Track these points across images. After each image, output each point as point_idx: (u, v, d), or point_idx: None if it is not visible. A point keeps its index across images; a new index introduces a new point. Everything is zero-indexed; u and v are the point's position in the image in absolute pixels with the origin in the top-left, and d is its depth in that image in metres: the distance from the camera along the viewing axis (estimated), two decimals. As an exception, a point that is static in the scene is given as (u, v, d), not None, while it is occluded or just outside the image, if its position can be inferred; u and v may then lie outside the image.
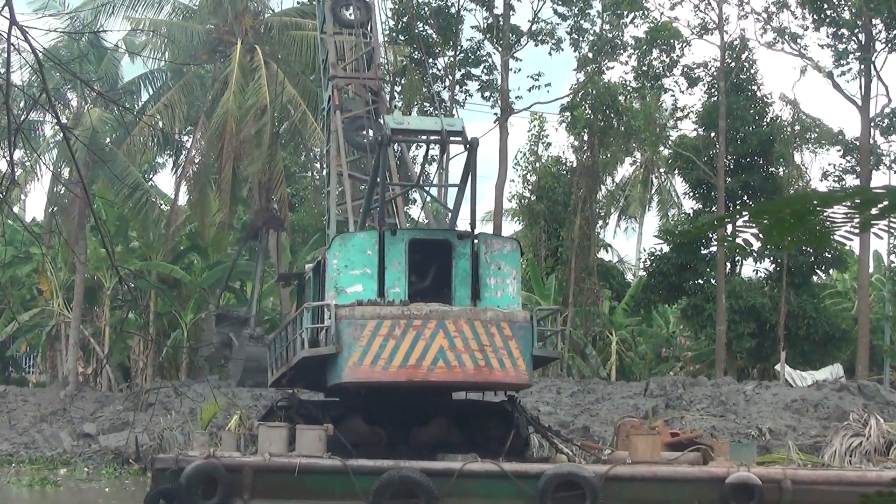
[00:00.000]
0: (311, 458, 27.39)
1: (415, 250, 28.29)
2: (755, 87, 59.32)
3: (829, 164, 62.86)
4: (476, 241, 28.75)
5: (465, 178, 29.61)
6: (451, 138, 28.86)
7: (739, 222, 4.21)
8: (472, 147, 29.07)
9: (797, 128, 60.90)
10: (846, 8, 55.91)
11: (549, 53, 58.20)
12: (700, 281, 59.06)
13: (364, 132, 34.50)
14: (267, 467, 27.56)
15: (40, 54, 10.81)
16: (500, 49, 57.91)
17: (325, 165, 36.34)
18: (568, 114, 58.00)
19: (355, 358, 26.72)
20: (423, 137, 30.54)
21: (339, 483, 26.98)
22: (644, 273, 62.71)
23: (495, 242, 29.44)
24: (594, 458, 30.74)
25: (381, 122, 29.79)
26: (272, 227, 41.59)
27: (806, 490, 25.02)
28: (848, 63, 56.11)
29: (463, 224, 33.75)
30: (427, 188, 35.14)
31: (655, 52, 57.15)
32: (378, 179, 29.80)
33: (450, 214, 32.49)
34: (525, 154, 67.02)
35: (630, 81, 58.32)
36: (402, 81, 55.79)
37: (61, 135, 46.82)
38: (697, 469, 26.15)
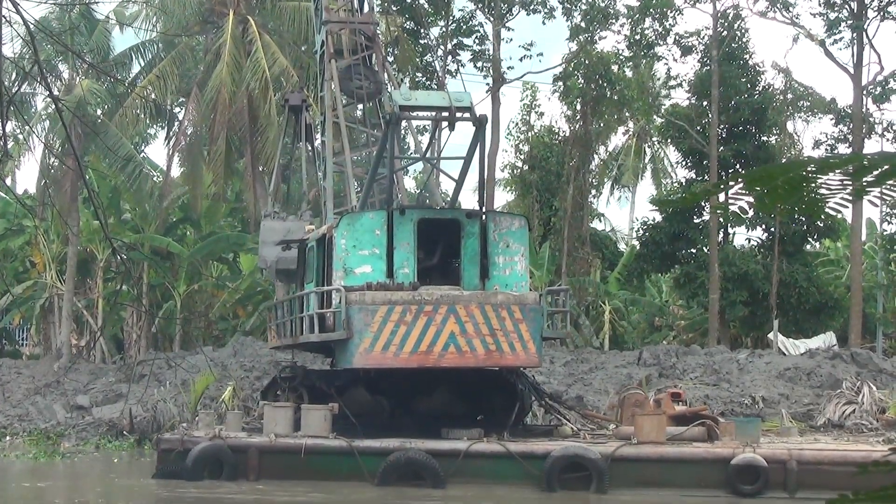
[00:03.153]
0: (317, 438, 27.47)
1: (422, 229, 28.26)
2: (748, 56, 59.26)
3: (822, 133, 63.01)
4: (484, 218, 28.79)
5: (472, 154, 29.60)
6: (460, 115, 28.76)
7: (734, 190, 4.24)
8: (480, 124, 29.03)
9: (789, 96, 60.98)
10: (838, -25, 55.89)
11: (543, 23, 58.01)
12: (693, 250, 59.21)
13: (358, 79, 34.30)
14: (273, 448, 27.64)
15: (32, 26, 10.74)
16: (492, 19, 57.72)
17: (320, 113, 35.84)
18: (560, 83, 57.88)
19: (366, 344, 26.72)
20: (432, 114, 30.24)
21: (345, 463, 27.08)
22: (637, 243, 62.79)
23: (503, 220, 29.42)
24: (598, 428, 30.84)
25: (388, 94, 29.48)
26: (302, 103, 40.12)
27: (811, 470, 25.09)
28: (840, 31, 56.17)
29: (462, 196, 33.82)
30: (433, 161, 34.83)
31: (648, 21, 57.04)
32: (385, 156, 29.79)
33: (453, 187, 32.49)
34: (517, 124, 66.86)
35: (623, 50, 58.27)
36: (395, 52, 55.54)
37: (53, 107, 46.81)
38: (703, 450, 26.19)
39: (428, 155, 35.01)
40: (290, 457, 27.35)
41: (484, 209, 29.73)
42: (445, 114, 28.93)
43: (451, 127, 29.58)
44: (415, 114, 30.81)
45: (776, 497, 25.02)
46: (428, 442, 26.92)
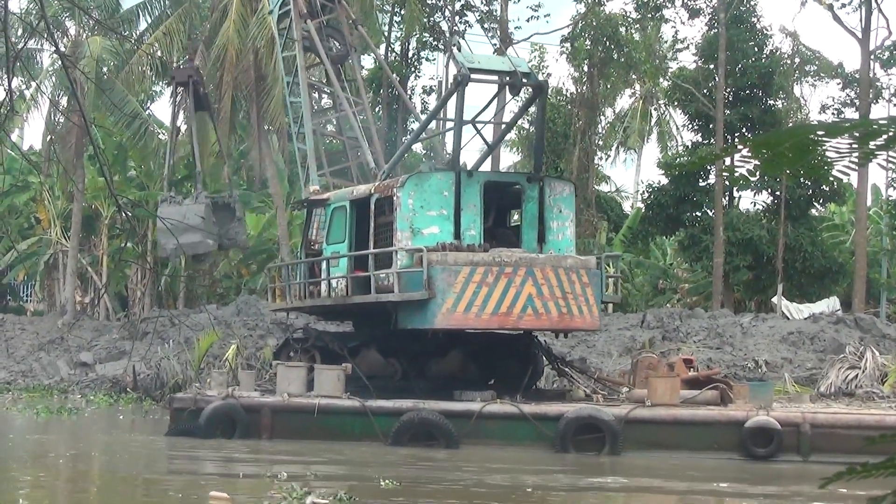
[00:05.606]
0: (330, 398, 27.52)
1: (485, 192, 28.31)
2: (755, 20, 59.00)
3: (829, 97, 62.80)
4: (542, 183, 28.90)
5: (517, 119, 29.91)
6: (524, 80, 28.70)
7: (742, 154, 4.26)
8: (541, 89, 29.16)
9: (797, 60, 60.80)
10: (848, -62, 55.53)
11: (550, -16, 57.85)
12: (698, 213, 59.13)
13: (330, 39, 34.25)
14: (286, 407, 27.70)
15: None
16: (499, -21, 57.55)
17: (286, 74, 35.45)
18: (568, 45, 57.76)
19: (449, 304, 26.62)
20: (495, 78, 29.99)
21: (358, 423, 27.16)
22: (642, 205, 62.71)
23: (557, 185, 29.61)
24: (612, 392, 30.85)
25: (455, 61, 29.29)
26: (188, 78, 39.49)
27: (825, 434, 25.15)
28: (849, -5, 55.85)
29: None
30: (481, 126, 34.58)
31: (656, -17, 56.81)
32: (440, 118, 29.81)
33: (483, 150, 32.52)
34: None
35: (630, 12, 58.02)
36: (402, 12, 55.35)
37: (59, 63, 46.68)
38: (717, 413, 26.25)
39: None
40: (303, 416, 27.44)
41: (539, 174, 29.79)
42: (508, 78, 28.85)
43: (515, 92, 29.50)
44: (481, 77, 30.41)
45: (789, 460, 25.09)
46: (441, 403, 26.98)
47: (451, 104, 30.00)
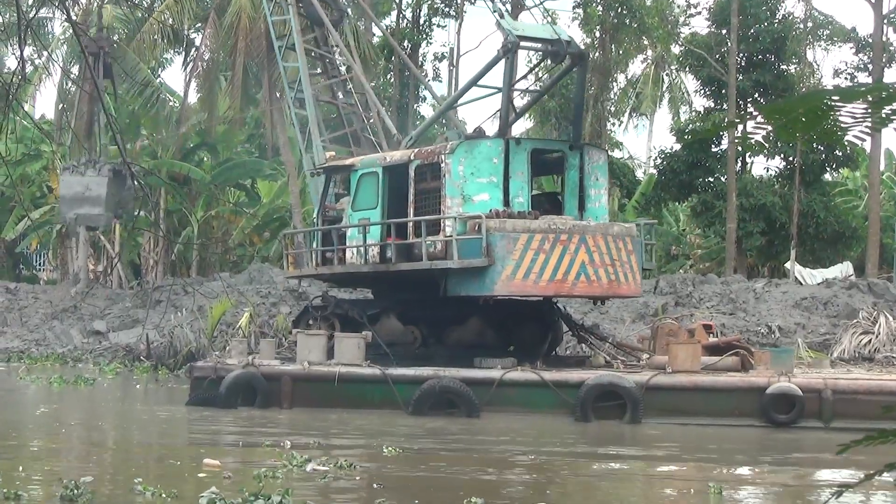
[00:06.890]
0: (351, 366, 27.53)
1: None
2: (768, -16, 58.73)
3: (842, 62, 62.43)
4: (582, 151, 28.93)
5: (551, 85, 31.83)
6: (567, 49, 28.64)
7: (756, 121, 4.26)
8: (583, 58, 29.12)
9: (810, 25, 60.51)
10: None
11: (562, -52, 57.61)
12: (710, 179, 58.92)
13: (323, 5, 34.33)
14: (306, 376, 27.71)
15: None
16: (511, -56, 57.21)
17: (277, 38, 35.28)
18: (580, 11, 57.54)
19: (508, 271, 26.57)
20: (541, 46, 29.82)
21: (378, 391, 27.17)
22: (655, 171, 62.48)
23: (594, 153, 29.69)
24: (631, 359, 30.84)
25: (501, 28, 29.19)
26: (100, 49, 40.55)
27: (846, 400, 25.11)
28: (861, -42, 55.64)
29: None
30: (519, 92, 34.50)
31: (668, -53, 56.62)
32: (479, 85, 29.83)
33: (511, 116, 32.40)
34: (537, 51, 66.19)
35: (643, -23, 57.78)
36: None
37: (71, 31, 46.67)
38: (738, 379, 26.20)
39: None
40: (324, 385, 27.44)
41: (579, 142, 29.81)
42: (552, 46, 28.81)
43: (558, 59, 29.43)
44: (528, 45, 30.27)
45: (811, 426, 25.07)
46: (462, 370, 26.96)
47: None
